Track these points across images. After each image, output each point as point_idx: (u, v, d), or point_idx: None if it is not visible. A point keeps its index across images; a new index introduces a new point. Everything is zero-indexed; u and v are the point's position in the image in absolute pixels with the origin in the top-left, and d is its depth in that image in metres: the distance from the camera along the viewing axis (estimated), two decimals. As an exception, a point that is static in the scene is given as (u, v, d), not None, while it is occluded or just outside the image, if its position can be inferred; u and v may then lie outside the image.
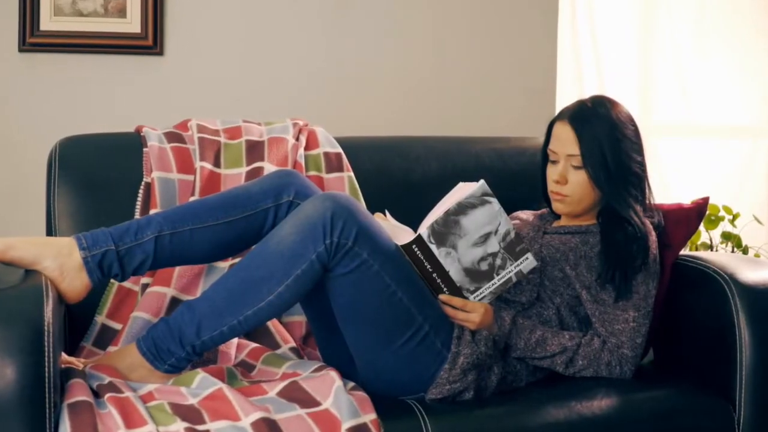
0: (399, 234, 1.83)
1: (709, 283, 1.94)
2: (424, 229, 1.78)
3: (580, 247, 1.98)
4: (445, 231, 1.78)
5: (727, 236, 2.89)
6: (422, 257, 1.79)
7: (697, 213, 2.10)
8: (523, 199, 2.24)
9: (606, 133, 1.96)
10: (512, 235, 1.82)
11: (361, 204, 1.92)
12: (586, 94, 3.11)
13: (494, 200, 1.80)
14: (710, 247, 2.91)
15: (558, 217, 2.12)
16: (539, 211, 2.19)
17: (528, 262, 1.85)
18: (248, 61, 2.78)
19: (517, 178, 2.31)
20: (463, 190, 1.83)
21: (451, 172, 2.28)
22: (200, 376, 1.71)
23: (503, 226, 1.81)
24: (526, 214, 2.20)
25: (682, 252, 2.11)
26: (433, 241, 1.78)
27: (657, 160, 3.29)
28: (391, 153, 2.30)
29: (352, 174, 2.22)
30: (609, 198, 1.98)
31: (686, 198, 2.98)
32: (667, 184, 3.30)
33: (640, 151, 2.01)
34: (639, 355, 1.93)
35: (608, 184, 1.96)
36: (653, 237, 1.98)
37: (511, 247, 1.83)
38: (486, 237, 1.81)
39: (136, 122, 2.40)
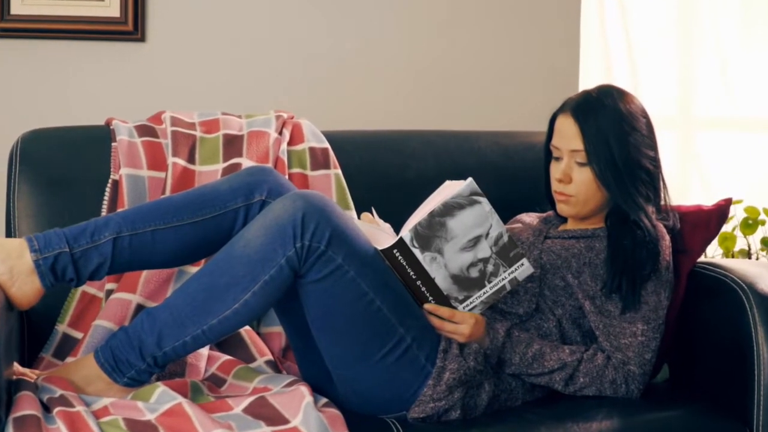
0: (379, 237, 1.85)
1: (726, 294, 1.94)
2: (406, 232, 1.80)
3: (584, 253, 1.99)
4: (430, 234, 1.80)
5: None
6: (404, 263, 1.81)
7: (718, 215, 2.10)
8: (530, 200, 2.25)
9: (613, 126, 1.97)
10: (505, 238, 1.84)
11: (339, 205, 1.93)
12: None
13: (484, 200, 1.81)
14: (748, 254, 2.90)
15: (564, 220, 2.13)
16: (545, 214, 2.20)
17: (524, 268, 1.86)
18: (236, 49, 2.81)
19: (523, 176, 2.32)
20: (449, 189, 1.84)
21: (450, 169, 2.29)
22: (160, 390, 1.74)
23: (495, 229, 1.83)
24: (531, 217, 2.21)
25: (701, 258, 2.10)
26: (416, 245, 1.79)
27: (697, 155, 3.29)
28: (384, 148, 2.32)
29: (339, 171, 2.25)
30: (617, 198, 1.99)
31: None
32: (708, 183, 3.29)
33: (652, 146, 2.02)
34: (648, 373, 1.93)
35: (616, 183, 1.97)
36: (666, 242, 1.98)
37: (504, 251, 1.84)
38: (476, 241, 1.82)
39: (115, 115, 2.44)
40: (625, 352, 1.92)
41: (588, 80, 3.12)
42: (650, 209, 1.99)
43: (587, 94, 2.03)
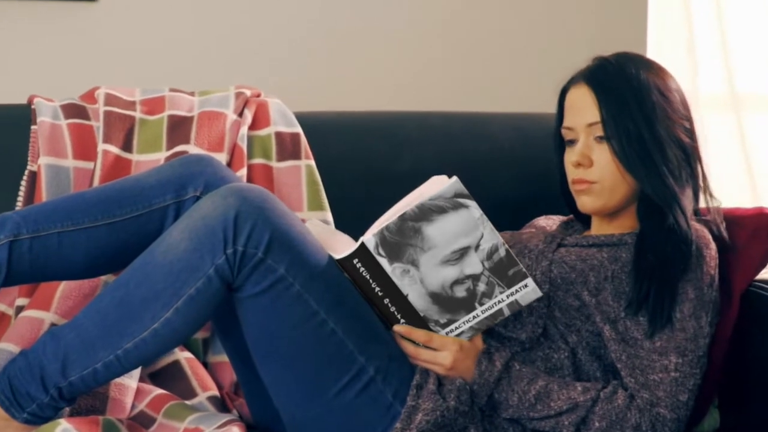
0: (335, 243, 1.86)
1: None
2: (369, 237, 1.80)
3: (606, 265, 1.97)
4: (401, 241, 1.80)
5: None
6: (368, 276, 1.81)
7: (786, 221, 2.08)
8: (554, 197, 2.23)
9: (636, 94, 1.97)
10: (502, 252, 1.82)
11: (311, 204, 1.96)
12: (698, 65, 3.04)
13: (473, 204, 1.80)
14: None
15: (588, 224, 2.13)
16: (567, 218, 2.20)
17: (527, 291, 1.85)
18: (201, 15, 2.85)
19: (546, 168, 2.29)
20: (430, 188, 1.85)
21: (455, 160, 2.30)
22: (61, 428, 1.78)
23: (488, 240, 1.82)
24: (550, 221, 2.21)
25: (761, 275, 2.09)
26: (383, 253, 1.80)
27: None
28: (371, 134, 2.34)
29: (312, 162, 2.27)
30: (642, 182, 1.97)
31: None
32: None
33: (688, 118, 2.02)
34: (683, 419, 1.91)
35: (641, 161, 1.95)
36: (711, 251, 1.96)
37: (500, 268, 1.83)
38: (462, 253, 1.82)
39: (53, 92, 2.49)
40: (653, 390, 1.90)
41: (660, 54, 3.10)
42: (686, 195, 1.97)
43: (603, 60, 2.05)
